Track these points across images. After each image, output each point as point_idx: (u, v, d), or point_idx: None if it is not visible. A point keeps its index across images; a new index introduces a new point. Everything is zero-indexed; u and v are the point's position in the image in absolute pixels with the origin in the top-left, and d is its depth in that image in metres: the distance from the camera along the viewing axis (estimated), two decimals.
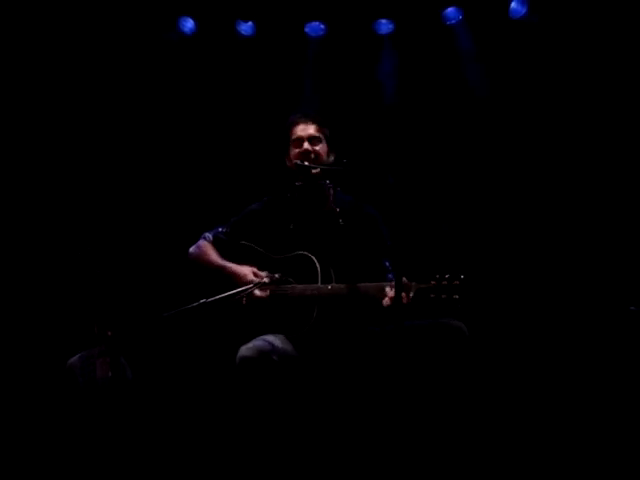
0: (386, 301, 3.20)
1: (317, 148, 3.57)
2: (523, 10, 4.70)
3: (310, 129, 3.60)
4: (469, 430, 3.46)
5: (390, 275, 3.40)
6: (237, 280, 3.39)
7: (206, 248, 3.61)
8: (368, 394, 3.40)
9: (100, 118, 4.83)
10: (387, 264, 3.47)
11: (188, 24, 4.85)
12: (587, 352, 4.35)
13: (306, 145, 3.56)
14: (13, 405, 4.18)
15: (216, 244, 3.61)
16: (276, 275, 3.33)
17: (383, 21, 4.84)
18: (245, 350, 3.17)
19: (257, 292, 3.38)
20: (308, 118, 3.63)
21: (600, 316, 4.40)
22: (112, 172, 4.84)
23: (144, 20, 4.76)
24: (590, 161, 4.68)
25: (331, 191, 3.66)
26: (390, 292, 3.19)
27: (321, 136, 3.60)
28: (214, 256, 3.57)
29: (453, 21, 4.79)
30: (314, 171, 3.50)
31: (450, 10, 4.78)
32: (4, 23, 4.57)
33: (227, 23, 4.85)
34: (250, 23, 4.86)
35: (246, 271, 3.44)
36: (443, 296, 3.13)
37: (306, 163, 3.50)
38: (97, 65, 4.74)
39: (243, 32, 4.88)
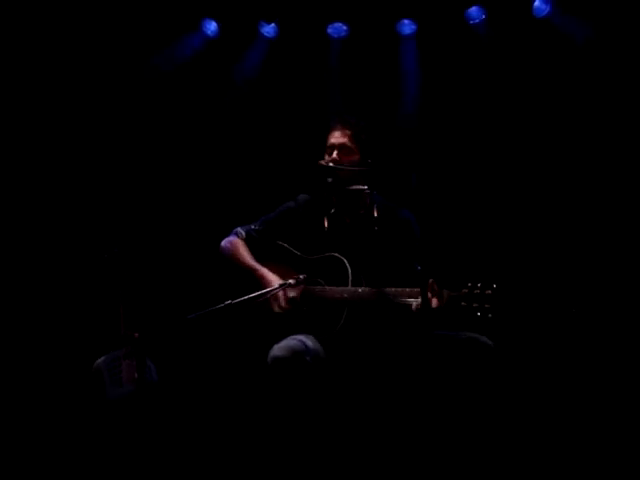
0: (415, 305, 3.18)
1: (345, 159, 3.47)
2: (547, 8, 4.66)
3: (343, 138, 3.50)
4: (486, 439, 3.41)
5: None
6: (266, 285, 3.36)
7: (238, 245, 3.57)
8: (393, 399, 3.39)
9: (127, 119, 4.85)
10: (419, 268, 3.42)
11: (211, 27, 4.88)
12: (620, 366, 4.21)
13: (334, 155, 3.49)
14: (40, 407, 4.22)
15: (248, 241, 3.58)
16: (301, 276, 3.32)
17: (406, 21, 4.83)
18: (278, 350, 3.15)
19: (289, 293, 3.36)
20: (345, 125, 3.53)
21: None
22: (138, 174, 4.86)
23: (167, 23, 4.78)
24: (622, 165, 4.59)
25: (368, 194, 3.59)
26: (420, 297, 3.14)
27: (353, 147, 3.49)
28: (246, 255, 3.53)
29: (476, 20, 4.76)
30: (329, 180, 3.42)
31: (473, 9, 4.76)
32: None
33: (250, 25, 4.86)
34: (273, 25, 4.87)
35: (275, 281, 3.37)
36: (474, 305, 3.09)
37: (331, 164, 3.47)
38: (128, 66, 4.77)
39: (266, 34, 4.89)
